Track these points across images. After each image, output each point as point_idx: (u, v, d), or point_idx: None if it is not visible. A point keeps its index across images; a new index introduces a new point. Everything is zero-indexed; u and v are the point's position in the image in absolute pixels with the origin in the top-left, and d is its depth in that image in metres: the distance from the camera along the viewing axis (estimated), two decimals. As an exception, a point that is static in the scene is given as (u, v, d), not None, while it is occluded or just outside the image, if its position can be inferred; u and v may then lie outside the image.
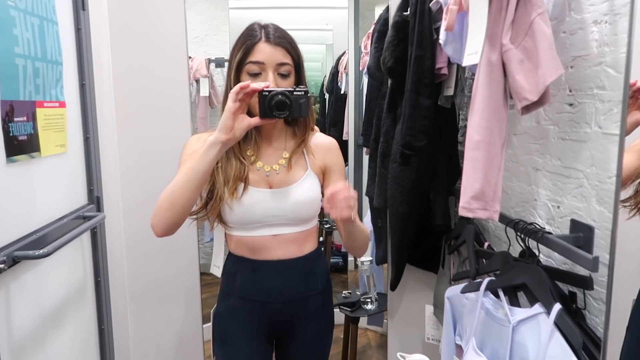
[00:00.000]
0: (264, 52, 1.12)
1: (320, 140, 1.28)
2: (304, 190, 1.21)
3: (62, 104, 1.39)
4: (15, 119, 1.14)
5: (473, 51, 1.07)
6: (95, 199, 1.60)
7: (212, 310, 1.34)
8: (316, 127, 1.30)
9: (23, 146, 1.18)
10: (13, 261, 1.10)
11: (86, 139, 1.55)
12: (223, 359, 1.26)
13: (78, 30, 1.51)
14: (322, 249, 3.12)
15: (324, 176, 1.28)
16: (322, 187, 1.28)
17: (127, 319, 1.85)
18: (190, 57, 1.96)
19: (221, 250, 1.47)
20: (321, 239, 3.23)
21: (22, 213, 1.19)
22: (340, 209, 1.05)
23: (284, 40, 1.15)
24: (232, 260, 1.26)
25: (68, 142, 1.42)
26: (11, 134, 1.13)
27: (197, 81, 2.73)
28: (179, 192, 1.07)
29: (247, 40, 1.14)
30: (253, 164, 1.20)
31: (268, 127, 1.22)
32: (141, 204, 1.78)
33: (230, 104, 1.02)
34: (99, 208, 1.63)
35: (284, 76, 1.15)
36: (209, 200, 1.20)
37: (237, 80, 1.15)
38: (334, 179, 1.26)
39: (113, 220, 1.73)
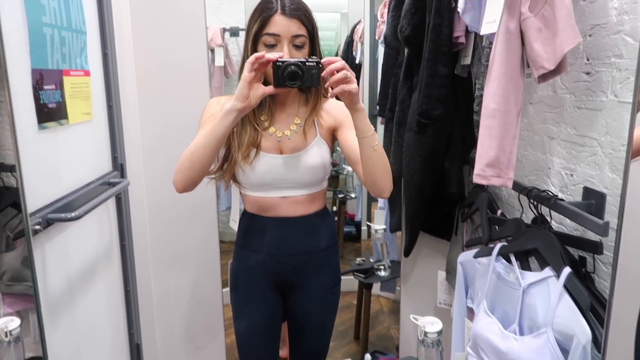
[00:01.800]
0: (280, 24, 1.17)
1: (330, 105, 1.33)
2: (312, 156, 1.28)
3: (87, 73, 1.43)
4: (45, 87, 1.18)
5: (491, 19, 1.08)
6: (119, 166, 1.65)
7: (229, 263, 1.44)
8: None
9: (52, 113, 1.22)
10: (47, 223, 1.16)
11: (109, 107, 1.59)
12: (236, 306, 1.39)
13: (99, -1, 1.53)
14: (336, 218, 3.19)
15: (335, 132, 1.32)
16: (336, 140, 1.32)
17: (150, 282, 1.93)
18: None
19: (237, 206, 1.55)
20: (335, 208, 3.28)
21: (52, 178, 1.25)
22: (343, 83, 1.05)
23: (299, 12, 1.19)
24: (245, 217, 1.37)
25: (93, 110, 1.47)
26: (41, 102, 1.17)
27: (212, 51, 2.74)
28: (198, 154, 1.15)
29: (264, 13, 1.18)
30: (266, 130, 1.28)
31: (282, 94, 1.28)
32: (162, 170, 1.83)
33: (246, 73, 1.07)
34: (122, 174, 1.69)
35: (298, 47, 1.20)
36: (225, 162, 1.29)
37: (254, 50, 1.21)
38: (346, 131, 1.29)
39: (136, 187, 1.79)
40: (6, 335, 0.91)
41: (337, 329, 1.42)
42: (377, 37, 2.48)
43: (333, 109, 1.32)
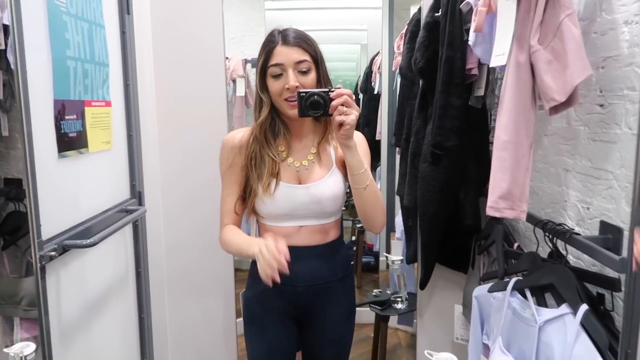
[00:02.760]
0: (282, 54, 1.22)
1: None
2: (328, 186, 1.30)
3: (108, 103, 1.48)
4: (66, 117, 1.23)
5: (500, 52, 1.08)
6: (137, 194, 1.69)
7: (241, 294, 1.43)
8: None
9: (73, 142, 1.27)
10: (63, 249, 1.19)
11: (129, 137, 1.64)
12: (250, 338, 1.38)
13: (123, 33, 1.60)
14: (354, 248, 3.16)
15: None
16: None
17: (165, 310, 1.93)
18: (227, 58, 2.02)
19: (254, 235, 1.55)
20: (353, 238, 3.25)
21: (71, 205, 1.28)
22: (341, 111, 1.13)
23: (299, 40, 1.23)
24: None
25: (113, 139, 1.51)
26: (62, 131, 1.21)
27: (234, 81, 2.81)
28: (233, 253, 1.31)
29: (267, 47, 1.24)
30: (284, 161, 1.30)
31: (297, 125, 1.31)
32: (180, 198, 1.86)
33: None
34: (140, 202, 1.72)
35: (304, 73, 1.23)
36: (245, 195, 1.32)
37: (263, 82, 1.26)
38: None
39: (153, 215, 1.82)
40: (21, 360, 0.93)
41: (352, 363, 1.40)
42: (394, 69, 2.51)
43: None
